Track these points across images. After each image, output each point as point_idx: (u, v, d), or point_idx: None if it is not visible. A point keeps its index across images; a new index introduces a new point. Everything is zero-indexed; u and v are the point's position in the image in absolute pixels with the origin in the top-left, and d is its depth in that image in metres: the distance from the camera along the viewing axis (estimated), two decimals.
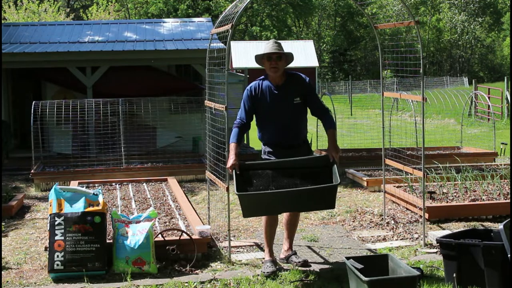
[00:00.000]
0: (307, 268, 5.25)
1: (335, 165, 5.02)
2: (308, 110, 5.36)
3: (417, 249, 5.80)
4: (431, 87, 43.22)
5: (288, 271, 5.14)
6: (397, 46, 6.69)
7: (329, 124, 5.26)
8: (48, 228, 5.24)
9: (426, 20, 60.10)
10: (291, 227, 5.49)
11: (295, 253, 5.46)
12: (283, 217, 5.52)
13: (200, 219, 6.30)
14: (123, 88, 11.95)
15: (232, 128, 5.30)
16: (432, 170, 8.36)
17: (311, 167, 5.06)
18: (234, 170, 5.03)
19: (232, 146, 5.15)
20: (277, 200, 4.87)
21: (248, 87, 5.27)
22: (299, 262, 5.32)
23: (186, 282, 4.91)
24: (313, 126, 11.60)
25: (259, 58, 5.27)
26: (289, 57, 5.27)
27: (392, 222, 6.80)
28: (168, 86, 12.57)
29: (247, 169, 5.10)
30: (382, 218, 6.90)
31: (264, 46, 5.24)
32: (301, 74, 5.37)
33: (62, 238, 5.11)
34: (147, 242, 5.19)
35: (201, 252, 5.50)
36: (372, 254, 5.63)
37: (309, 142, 5.53)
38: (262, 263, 5.31)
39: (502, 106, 20.93)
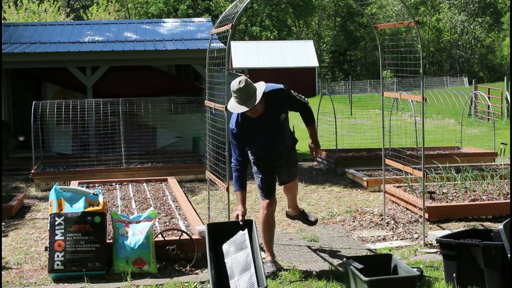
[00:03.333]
0: (308, 268, 5.27)
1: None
2: None
3: (417, 249, 5.80)
4: (431, 87, 43.19)
5: (288, 271, 5.15)
6: (397, 46, 6.69)
7: (309, 120, 5.33)
8: (48, 228, 5.25)
9: (426, 20, 60.09)
10: (292, 195, 5.70)
11: (303, 212, 5.81)
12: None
13: (200, 219, 6.30)
14: (123, 88, 11.94)
15: (232, 172, 5.14)
16: (432, 170, 8.35)
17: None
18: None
19: (238, 194, 5.02)
20: None
21: (232, 125, 5.04)
22: (311, 220, 5.76)
23: (186, 282, 4.92)
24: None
25: None
26: (261, 94, 4.86)
27: (392, 222, 6.80)
28: (168, 86, 12.57)
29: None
30: (382, 218, 6.90)
31: (233, 94, 4.86)
32: (277, 88, 5.06)
33: (62, 238, 5.11)
34: (147, 242, 5.19)
35: (201, 252, 5.49)
36: (372, 254, 5.63)
37: (292, 131, 5.51)
38: (263, 263, 5.31)
39: (502, 106, 20.93)
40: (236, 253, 4.67)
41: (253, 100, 4.81)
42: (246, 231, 4.76)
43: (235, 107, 4.89)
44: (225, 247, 4.73)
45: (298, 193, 5.86)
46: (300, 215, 5.84)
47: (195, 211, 6.78)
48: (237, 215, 4.91)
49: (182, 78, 13.55)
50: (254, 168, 5.34)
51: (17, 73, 12.83)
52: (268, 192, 5.28)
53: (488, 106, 18.68)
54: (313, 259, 5.57)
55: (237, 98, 4.85)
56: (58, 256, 5.07)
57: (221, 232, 4.81)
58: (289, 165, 5.44)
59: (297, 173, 5.58)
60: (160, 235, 5.52)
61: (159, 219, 6.50)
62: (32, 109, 10.17)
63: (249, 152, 5.26)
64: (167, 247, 5.37)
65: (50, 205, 5.27)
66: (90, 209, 5.22)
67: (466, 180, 7.85)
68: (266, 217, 5.26)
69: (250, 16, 52.86)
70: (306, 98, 5.33)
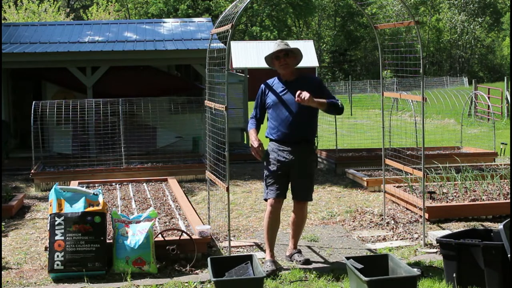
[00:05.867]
0: (308, 266, 5.28)
1: None
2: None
3: (417, 249, 5.80)
4: (431, 87, 43.20)
5: (288, 270, 5.15)
6: (397, 46, 6.69)
7: (332, 103, 5.35)
8: (48, 228, 5.25)
9: (426, 20, 60.09)
10: (296, 227, 5.53)
11: (299, 252, 5.54)
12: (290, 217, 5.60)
13: (200, 219, 6.30)
14: (123, 88, 11.94)
15: (249, 119, 5.59)
16: (432, 170, 8.36)
17: None
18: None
19: (252, 131, 5.40)
20: None
21: (263, 84, 5.48)
22: (300, 260, 5.40)
23: (186, 282, 4.92)
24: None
25: (269, 60, 5.40)
26: (298, 54, 5.38)
27: (392, 222, 6.80)
28: (168, 86, 12.56)
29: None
30: (382, 218, 6.91)
31: (273, 45, 5.37)
32: (313, 76, 5.55)
33: (62, 238, 5.11)
34: (147, 242, 5.19)
35: (201, 252, 5.50)
36: (372, 254, 5.63)
37: (315, 145, 5.53)
38: (263, 263, 5.31)
39: (502, 106, 20.94)
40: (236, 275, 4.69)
41: (289, 47, 5.29)
42: (249, 263, 4.76)
43: (268, 54, 5.34)
44: (226, 275, 4.72)
45: None
46: (294, 255, 5.54)
47: (195, 211, 6.79)
48: (258, 145, 5.22)
49: (182, 78, 13.55)
50: (265, 170, 5.36)
51: (17, 73, 12.83)
52: (273, 191, 5.27)
53: (488, 106, 18.69)
54: (313, 259, 5.57)
55: (275, 45, 5.33)
56: (58, 256, 5.07)
57: (223, 265, 4.78)
58: (305, 171, 5.32)
59: (308, 191, 5.39)
60: (160, 235, 5.52)
61: (159, 219, 6.50)
62: (32, 109, 10.17)
63: (269, 140, 5.43)
64: (167, 247, 5.37)
65: (50, 205, 5.27)
66: (90, 209, 5.22)
67: (466, 180, 7.85)
68: (269, 214, 5.31)
69: (250, 16, 52.88)
70: (339, 100, 5.52)
